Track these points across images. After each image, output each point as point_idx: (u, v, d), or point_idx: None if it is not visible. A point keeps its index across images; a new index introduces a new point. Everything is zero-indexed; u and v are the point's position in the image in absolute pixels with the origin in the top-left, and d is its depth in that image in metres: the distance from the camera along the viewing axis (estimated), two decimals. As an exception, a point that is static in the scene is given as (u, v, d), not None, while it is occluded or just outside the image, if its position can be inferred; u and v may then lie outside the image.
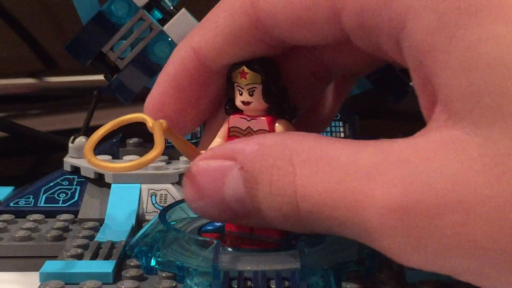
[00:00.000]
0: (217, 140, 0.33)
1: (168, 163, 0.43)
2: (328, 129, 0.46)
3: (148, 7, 0.42)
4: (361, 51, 0.31)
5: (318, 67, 0.34)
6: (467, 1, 0.25)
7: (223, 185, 0.30)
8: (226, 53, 0.32)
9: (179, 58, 0.33)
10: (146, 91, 0.44)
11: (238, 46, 0.32)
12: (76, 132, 0.45)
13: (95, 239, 0.37)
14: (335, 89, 0.37)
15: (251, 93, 0.32)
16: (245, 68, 0.32)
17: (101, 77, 0.44)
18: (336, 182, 0.27)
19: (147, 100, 0.34)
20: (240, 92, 0.32)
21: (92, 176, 0.42)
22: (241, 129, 0.33)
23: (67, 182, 0.43)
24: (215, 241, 0.32)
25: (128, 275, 0.32)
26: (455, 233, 0.25)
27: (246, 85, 0.32)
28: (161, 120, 0.30)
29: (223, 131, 0.33)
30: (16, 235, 0.37)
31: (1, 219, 0.40)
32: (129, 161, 0.30)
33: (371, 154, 0.27)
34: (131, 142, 0.45)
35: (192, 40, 0.33)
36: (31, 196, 0.42)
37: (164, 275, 0.32)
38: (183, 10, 0.42)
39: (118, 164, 0.30)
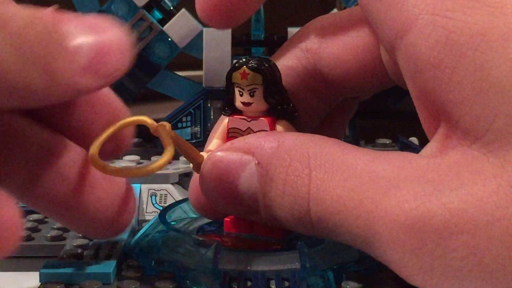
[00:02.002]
0: (215, 141, 0.33)
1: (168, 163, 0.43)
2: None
3: (148, 7, 0.42)
4: (368, 74, 0.31)
5: (324, 90, 0.35)
6: (479, 23, 0.25)
7: (239, 178, 0.30)
8: None
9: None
10: (146, 91, 0.45)
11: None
12: (76, 132, 0.45)
13: (95, 239, 0.37)
14: (341, 110, 0.37)
15: (252, 94, 0.32)
16: (246, 68, 0.32)
17: (101, 77, 0.44)
18: (351, 190, 0.27)
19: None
20: (241, 93, 0.32)
21: (92, 176, 0.42)
22: (241, 130, 0.33)
23: (67, 182, 0.43)
24: (215, 241, 0.32)
25: (128, 275, 0.32)
26: (465, 256, 0.24)
27: (247, 85, 0.32)
28: (164, 123, 0.30)
29: (221, 132, 0.33)
30: (16, 235, 0.37)
31: (1, 219, 0.40)
32: (142, 166, 0.30)
33: (388, 167, 0.27)
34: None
35: None
36: (31, 196, 0.42)
37: (164, 275, 0.32)
38: (183, 10, 0.42)
39: (136, 170, 0.30)
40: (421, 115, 0.28)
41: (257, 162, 0.29)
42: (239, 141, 0.31)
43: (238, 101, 0.32)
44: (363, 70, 0.33)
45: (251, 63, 0.32)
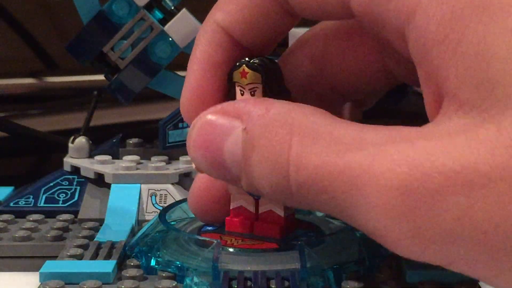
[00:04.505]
0: None
1: (168, 163, 0.43)
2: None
3: (149, 7, 0.42)
4: (372, 76, 0.31)
5: (329, 94, 0.35)
6: None
7: (224, 142, 0.29)
8: (254, 26, 0.32)
9: (208, 40, 0.32)
10: (147, 91, 0.45)
11: (263, 17, 0.31)
12: (76, 132, 0.45)
13: (95, 239, 0.37)
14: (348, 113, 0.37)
15: (252, 93, 0.32)
16: (245, 67, 0.32)
17: (101, 77, 0.44)
18: (336, 156, 0.26)
19: (184, 93, 0.33)
20: (242, 92, 0.32)
21: (92, 176, 0.42)
22: None
23: (67, 182, 0.43)
24: (215, 241, 0.32)
25: (128, 275, 0.32)
26: (457, 217, 0.24)
27: (247, 84, 0.32)
28: None
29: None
30: (16, 235, 0.37)
31: (1, 219, 0.40)
32: None
33: (377, 134, 0.26)
34: (131, 142, 0.45)
35: (217, 18, 0.32)
36: (31, 196, 0.42)
37: (164, 275, 0.32)
38: (184, 10, 0.42)
39: None
40: (426, 101, 0.28)
41: (244, 127, 0.29)
42: (229, 105, 0.30)
43: None
44: (367, 72, 0.33)
45: (251, 62, 0.32)
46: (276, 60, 0.33)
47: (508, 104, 0.24)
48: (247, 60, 0.32)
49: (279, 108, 0.29)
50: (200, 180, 0.35)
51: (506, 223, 0.24)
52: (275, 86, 0.32)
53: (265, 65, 0.32)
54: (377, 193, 0.25)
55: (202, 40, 0.32)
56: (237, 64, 0.32)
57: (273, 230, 0.33)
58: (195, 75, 0.32)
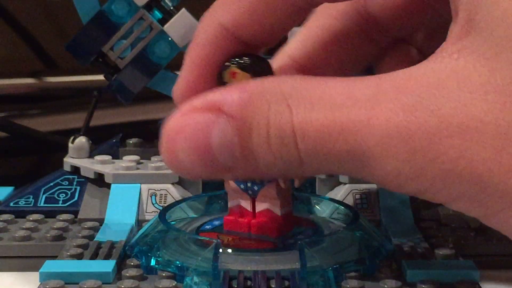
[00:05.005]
0: None
1: (168, 163, 0.43)
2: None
3: (148, 7, 0.42)
4: (415, 9, 0.32)
5: (374, 31, 0.35)
6: None
7: (210, 137, 0.28)
8: (257, 23, 0.31)
9: (208, 38, 0.32)
10: (146, 91, 0.45)
11: (267, 11, 0.31)
12: (76, 132, 0.45)
13: (95, 239, 0.37)
14: (394, 57, 0.37)
15: None
16: (234, 68, 0.31)
17: (101, 77, 0.44)
18: (333, 118, 0.27)
19: (176, 88, 0.33)
20: None
21: (92, 176, 0.42)
22: None
23: (67, 182, 0.43)
24: (215, 241, 0.32)
25: (128, 274, 0.32)
26: (454, 158, 0.25)
27: None
28: None
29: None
30: (16, 235, 0.37)
31: (1, 219, 0.40)
32: None
33: (367, 86, 0.27)
34: (131, 142, 0.45)
35: (218, 16, 0.32)
36: (31, 196, 0.42)
37: (164, 274, 0.32)
38: (183, 10, 0.42)
39: None
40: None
41: (229, 116, 0.28)
42: (199, 101, 0.29)
43: None
44: (410, 5, 0.34)
45: (240, 63, 0.31)
46: (268, 59, 0.33)
47: (503, 46, 0.25)
48: (236, 60, 0.31)
49: (263, 86, 0.28)
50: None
51: (499, 169, 0.25)
52: None
53: (255, 64, 0.31)
54: (380, 144, 0.26)
55: (202, 39, 0.32)
56: (226, 64, 0.32)
57: (270, 229, 0.33)
58: (188, 75, 0.32)
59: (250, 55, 0.31)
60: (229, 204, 0.34)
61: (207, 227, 0.36)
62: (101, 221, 0.40)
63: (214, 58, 0.32)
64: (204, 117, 0.29)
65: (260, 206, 0.33)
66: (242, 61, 0.31)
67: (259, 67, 0.32)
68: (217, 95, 0.29)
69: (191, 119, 0.29)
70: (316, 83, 0.28)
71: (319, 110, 0.27)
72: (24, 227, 0.39)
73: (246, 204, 0.34)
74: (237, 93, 0.28)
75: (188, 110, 0.29)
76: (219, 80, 0.32)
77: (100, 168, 0.42)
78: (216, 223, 0.35)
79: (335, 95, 0.27)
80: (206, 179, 0.31)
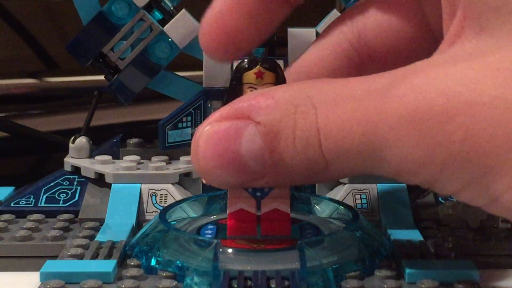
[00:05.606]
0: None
1: (168, 163, 0.43)
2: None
3: (148, 8, 0.42)
4: (412, 42, 0.33)
5: (369, 65, 0.35)
6: None
7: (240, 145, 0.29)
8: None
9: None
10: (147, 91, 0.45)
11: None
12: (76, 132, 0.45)
13: (95, 239, 0.37)
14: None
15: None
16: (260, 68, 0.32)
17: (101, 77, 0.44)
18: (352, 111, 0.27)
19: (206, 16, 0.33)
20: None
21: (92, 176, 0.42)
22: None
23: (68, 182, 0.43)
24: (215, 241, 0.32)
25: (128, 274, 0.32)
26: (462, 138, 0.25)
27: (262, 85, 0.32)
28: None
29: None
30: (17, 235, 0.38)
31: (2, 219, 0.40)
32: None
33: (383, 78, 0.27)
34: (131, 142, 0.45)
35: None
36: (32, 196, 0.42)
37: (164, 274, 0.33)
38: (183, 10, 0.42)
39: None
40: (445, 23, 0.28)
41: (257, 122, 0.29)
42: (226, 109, 0.30)
43: None
44: (407, 37, 0.33)
45: (264, 63, 0.32)
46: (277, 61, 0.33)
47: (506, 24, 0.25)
48: (260, 61, 0.32)
49: (288, 92, 0.29)
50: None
51: (507, 144, 0.24)
52: (283, 84, 0.32)
53: (277, 65, 0.32)
54: (392, 129, 0.26)
55: None
56: (246, 66, 0.32)
57: (282, 228, 0.33)
58: (219, 4, 0.32)
59: (263, 57, 0.32)
60: (229, 210, 0.33)
61: (208, 227, 0.36)
62: (101, 221, 0.40)
63: None
64: (233, 125, 0.29)
65: (267, 207, 0.33)
66: (265, 62, 0.32)
67: (280, 68, 0.32)
68: (245, 103, 0.29)
69: (220, 128, 0.29)
70: (340, 82, 0.28)
71: (341, 106, 0.27)
72: (24, 227, 0.39)
73: (249, 207, 0.33)
74: (263, 99, 0.29)
75: (216, 118, 0.30)
76: (237, 81, 0.32)
77: (100, 168, 0.42)
78: (214, 229, 0.35)
79: (356, 90, 0.28)
80: (238, 187, 0.32)
